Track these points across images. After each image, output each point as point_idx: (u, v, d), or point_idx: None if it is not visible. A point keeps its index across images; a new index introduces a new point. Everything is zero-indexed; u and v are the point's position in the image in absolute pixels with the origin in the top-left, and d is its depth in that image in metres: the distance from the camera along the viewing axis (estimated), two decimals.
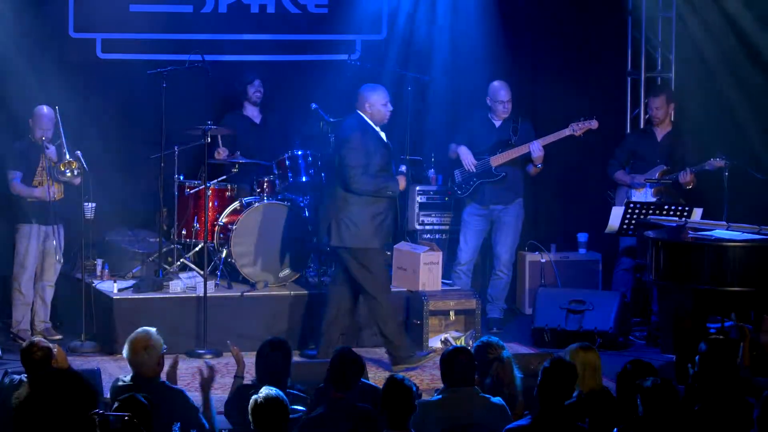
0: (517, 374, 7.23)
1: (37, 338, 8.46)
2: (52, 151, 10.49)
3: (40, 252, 10.67)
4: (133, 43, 11.79)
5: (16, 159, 10.58)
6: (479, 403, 6.79)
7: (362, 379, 7.50)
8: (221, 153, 11.36)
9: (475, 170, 11.23)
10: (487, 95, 11.33)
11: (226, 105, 11.86)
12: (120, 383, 6.89)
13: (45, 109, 10.54)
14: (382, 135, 10.02)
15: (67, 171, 10.37)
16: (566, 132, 11.15)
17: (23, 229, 10.63)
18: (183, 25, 11.86)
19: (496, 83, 11.31)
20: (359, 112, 10.00)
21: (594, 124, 11.16)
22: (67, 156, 10.36)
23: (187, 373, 9.38)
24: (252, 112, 11.75)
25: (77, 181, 10.43)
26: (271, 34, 12.15)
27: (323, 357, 9.35)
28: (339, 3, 12.20)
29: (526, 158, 11.21)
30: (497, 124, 11.36)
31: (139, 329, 7.07)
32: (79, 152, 10.39)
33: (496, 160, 11.21)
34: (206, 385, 7.12)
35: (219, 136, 11.27)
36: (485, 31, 12.14)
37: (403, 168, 10.38)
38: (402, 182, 10.14)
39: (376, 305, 10.07)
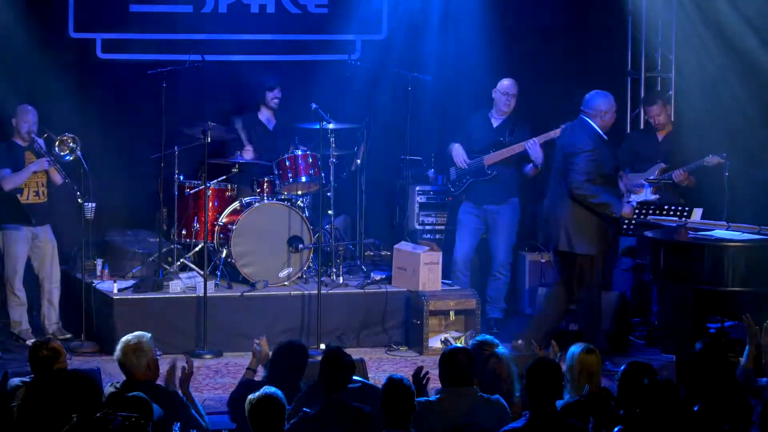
0: (514, 369, 7.25)
1: (49, 338, 8.49)
2: (40, 142, 10.49)
3: (31, 254, 10.65)
4: (133, 43, 11.80)
5: (1, 159, 10.56)
6: (478, 403, 6.79)
7: (362, 379, 7.52)
8: (249, 152, 11.37)
9: (467, 167, 11.25)
10: (494, 88, 11.34)
11: (239, 105, 11.86)
12: (113, 389, 6.87)
13: (29, 106, 10.56)
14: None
15: (67, 155, 10.35)
16: (558, 131, 11.16)
17: (11, 232, 10.60)
18: (183, 25, 11.86)
19: (505, 79, 11.33)
20: (588, 119, 10.09)
21: None
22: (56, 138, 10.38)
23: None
24: (266, 117, 11.75)
25: (77, 151, 10.37)
26: (271, 34, 12.15)
27: (521, 350, 9.88)
28: (339, 3, 12.20)
29: (523, 158, 11.22)
30: (495, 124, 11.37)
31: (134, 333, 7.05)
32: (66, 134, 10.41)
33: (489, 160, 11.24)
34: (185, 380, 7.13)
35: (243, 135, 11.27)
36: (485, 31, 12.14)
37: (634, 201, 10.43)
38: (627, 211, 10.18)
39: (590, 307, 10.27)
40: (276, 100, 11.69)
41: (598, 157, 10.05)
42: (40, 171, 10.53)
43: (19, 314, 10.68)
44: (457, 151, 11.30)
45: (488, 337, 7.59)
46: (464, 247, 11.43)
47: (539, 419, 6.26)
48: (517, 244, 11.99)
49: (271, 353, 7.59)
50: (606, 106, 10.12)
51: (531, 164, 11.21)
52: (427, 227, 12.09)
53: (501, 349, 7.33)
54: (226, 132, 11.34)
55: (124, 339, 6.99)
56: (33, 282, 10.80)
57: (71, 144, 10.40)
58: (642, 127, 12.24)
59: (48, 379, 6.65)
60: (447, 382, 6.86)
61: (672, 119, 11.72)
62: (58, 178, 10.54)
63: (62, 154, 10.40)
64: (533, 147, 11.10)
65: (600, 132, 10.09)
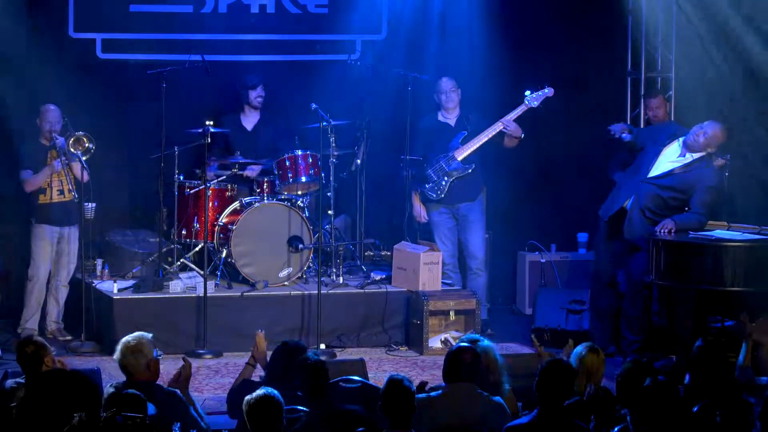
0: (501, 361, 7.27)
1: (30, 334, 8.48)
2: (61, 141, 10.52)
3: (54, 253, 10.69)
4: (133, 43, 11.80)
5: (24, 159, 10.61)
6: (478, 401, 6.79)
7: (362, 379, 7.52)
8: (253, 172, 11.40)
9: (439, 166, 11.27)
10: (435, 92, 11.43)
11: (225, 106, 11.85)
12: (112, 390, 6.86)
13: (52, 106, 10.61)
14: (676, 155, 10.19)
15: (77, 153, 10.36)
16: (524, 107, 11.18)
17: (37, 230, 10.66)
18: (183, 25, 11.86)
19: (441, 77, 11.41)
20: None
21: (550, 92, 11.20)
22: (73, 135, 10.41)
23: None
24: (249, 117, 11.73)
25: (92, 150, 10.39)
26: (271, 34, 12.14)
27: None
28: (339, 3, 12.19)
29: (495, 141, 11.26)
30: (452, 122, 11.39)
31: (134, 333, 7.02)
32: (81, 132, 10.43)
33: (460, 153, 11.24)
34: (184, 381, 7.12)
35: (208, 137, 11.22)
36: (485, 30, 12.14)
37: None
38: None
39: None
40: (260, 99, 11.67)
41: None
42: (54, 172, 10.55)
43: (30, 313, 10.73)
44: (416, 206, 11.42)
45: (473, 335, 7.69)
46: (448, 246, 11.42)
47: (545, 418, 6.27)
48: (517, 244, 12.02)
49: (270, 353, 7.59)
50: (704, 128, 10.09)
51: (507, 136, 11.22)
52: (426, 227, 12.06)
53: (486, 342, 7.36)
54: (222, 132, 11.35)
55: (123, 340, 6.96)
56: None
57: (87, 143, 10.41)
58: (642, 126, 12.22)
59: (40, 375, 6.64)
60: (450, 379, 6.87)
61: (671, 117, 11.70)
62: (79, 173, 10.54)
63: (74, 152, 10.40)
64: (510, 124, 11.13)
65: (686, 139, 10.13)
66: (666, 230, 9.83)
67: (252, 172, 11.49)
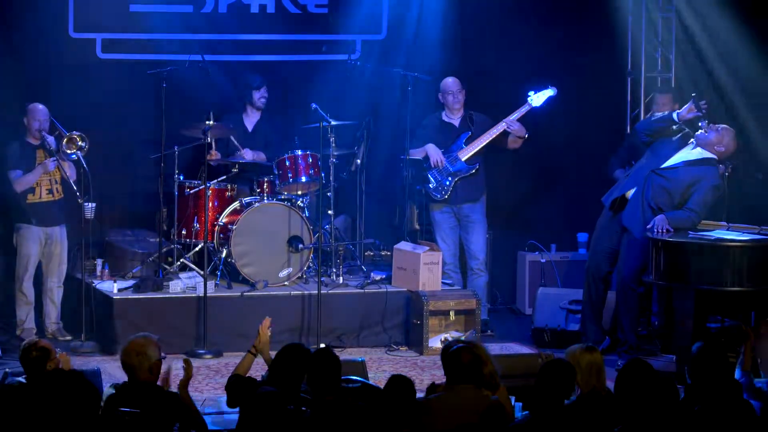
0: (489, 352, 7.28)
1: (37, 338, 8.47)
2: (51, 140, 10.51)
3: (42, 253, 10.70)
4: (133, 43, 11.80)
5: (13, 159, 10.60)
6: (479, 402, 6.79)
7: (362, 379, 7.52)
8: (214, 155, 11.35)
9: (443, 167, 11.26)
10: (438, 92, 11.40)
11: (226, 106, 11.85)
12: (113, 390, 6.85)
13: (39, 105, 10.58)
14: (689, 149, 10.17)
15: (74, 153, 10.36)
16: (527, 107, 11.19)
17: (24, 230, 10.65)
18: (183, 25, 11.86)
19: (447, 78, 11.39)
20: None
21: (553, 91, 11.21)
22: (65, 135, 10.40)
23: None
24: (251, 117, 11.73)
25: (84, 150, 10.39)
26: (271, 34, 12.15)
27: None
28: (339, 3, 12.20)
29: (498, 141, 11.26)
30: (456, 123, 11.39)
31: (141, 334, 7.00)
32: (75, 132, 10.43)
33: (465, 154, 11.25)
34: (185, 383, 7.11)
35: (213, 139, 11.23)
36: (485, 30, 12.15)
37: None
38: None
39: None
40: (263, 100, 11.67)
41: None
42: (48, 172, 10.56)
43: (24, 313, 10.72)
44: (434, 151, 11.31)
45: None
46: (450, 246, 11.43)
47: (545, 417, 6.27)
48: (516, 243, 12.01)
49: (272, 352, 7.59)
50: (718, 126, 10.16)
51: (511, 136, 11.24)
52: (427, 227, 12.07)
53: (470, 337, 7.37)
54: (227, 130, 11.35)
55: (130, 339, 6.93)
56: (36, 279, 10.82)
57: (80, 142, 10.41)
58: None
59: (42, 379, 6.63)
60: (450, 379, 6.87)
61: None
62: (70, 173, 10.54)
63: (69, 152, 10.41)
64: (513, 124, 11.15)
65: (703, 147, 10.15)
66: (663, 229, 9.83)
67: (248, 154, 11.43)
